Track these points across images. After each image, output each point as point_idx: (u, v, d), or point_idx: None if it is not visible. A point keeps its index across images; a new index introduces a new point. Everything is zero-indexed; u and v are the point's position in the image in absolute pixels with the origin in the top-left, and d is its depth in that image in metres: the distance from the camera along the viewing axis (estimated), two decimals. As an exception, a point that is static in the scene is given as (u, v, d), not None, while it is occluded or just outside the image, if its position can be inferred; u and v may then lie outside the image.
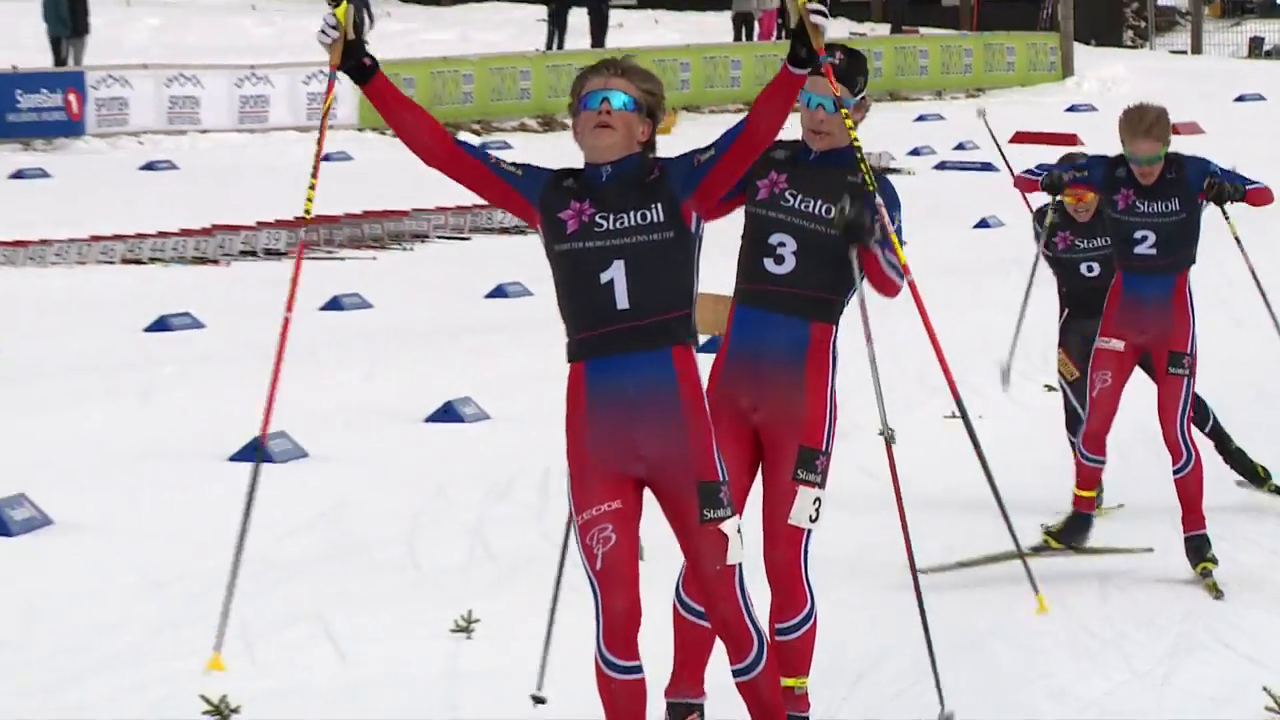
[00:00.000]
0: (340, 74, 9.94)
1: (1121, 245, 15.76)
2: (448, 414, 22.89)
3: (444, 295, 34.67)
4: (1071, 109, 67.71)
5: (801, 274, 10.37)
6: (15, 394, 23.95)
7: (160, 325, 29.18)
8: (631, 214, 9.33)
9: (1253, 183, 16.84)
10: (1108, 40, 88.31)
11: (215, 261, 37.93)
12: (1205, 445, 17.20)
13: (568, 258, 9.35)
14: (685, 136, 55.55)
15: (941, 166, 54.15)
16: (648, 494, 10.10)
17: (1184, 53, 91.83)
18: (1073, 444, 17.70)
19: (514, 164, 9.73)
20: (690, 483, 9.26)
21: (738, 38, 73.90)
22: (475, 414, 23.01)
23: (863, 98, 10.66)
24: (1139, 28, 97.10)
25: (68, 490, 18.49)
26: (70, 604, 15.12)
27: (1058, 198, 16.95)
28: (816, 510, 10.37)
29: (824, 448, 10.35)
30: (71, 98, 55.22)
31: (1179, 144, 51.11)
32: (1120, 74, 77.72)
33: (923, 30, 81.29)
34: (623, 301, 9.18)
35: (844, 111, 10.55)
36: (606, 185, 9.37)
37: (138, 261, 37.60)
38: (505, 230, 42.44)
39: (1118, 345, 15.34)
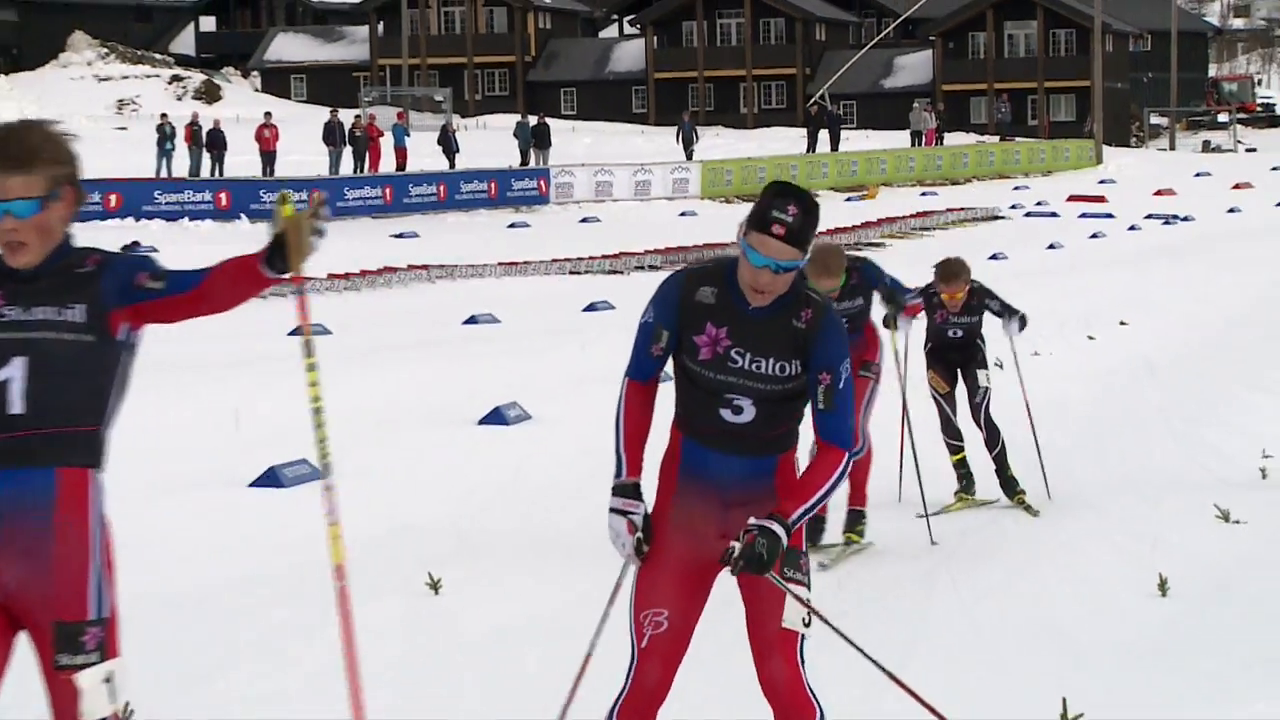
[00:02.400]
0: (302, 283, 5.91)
1: None
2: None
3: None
4: (1102, 181, 67.02)
5: (762, 421, 6.40)
6: (517, 346, 23.79)
7: (590, 308, 29.09)
8: (47, 308, 5.54)
9: (909, 292, 13.06)
10: (1121, 143, 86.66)
11: (621, 272, 37.64)
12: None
13: None
14: (884, 201, 55.88)
15: (1028, 215, 53.57)
16: None
17: (1165, 149, 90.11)
18: (949, 445, 13.88)
19: None
20: (47, 622, 5.45)
21: (913, 144, 73.11)
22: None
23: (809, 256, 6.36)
24: (1140, 135, 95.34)
25: (543, 402, 18.15)
26: (533, 477, 14.80)
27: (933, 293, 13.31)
28: (809, 614, 6.44)
29: (804, 546, 6.54)
30: (541, 182, 55.24)
31: (1164, 203, 50.96)
32: (1130, 162, 76.52)
33: (1018, 139, 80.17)
34: (16, 406, 5.39)
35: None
36: (23, 275, 5.57)
37: (577, 273, 37.47)
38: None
39: None
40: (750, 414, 6.24)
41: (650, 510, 6.42)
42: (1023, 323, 13.58)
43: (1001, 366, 15.47)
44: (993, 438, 13.53)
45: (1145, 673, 8.72)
